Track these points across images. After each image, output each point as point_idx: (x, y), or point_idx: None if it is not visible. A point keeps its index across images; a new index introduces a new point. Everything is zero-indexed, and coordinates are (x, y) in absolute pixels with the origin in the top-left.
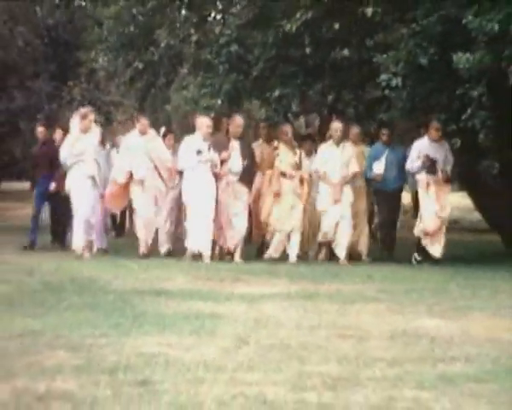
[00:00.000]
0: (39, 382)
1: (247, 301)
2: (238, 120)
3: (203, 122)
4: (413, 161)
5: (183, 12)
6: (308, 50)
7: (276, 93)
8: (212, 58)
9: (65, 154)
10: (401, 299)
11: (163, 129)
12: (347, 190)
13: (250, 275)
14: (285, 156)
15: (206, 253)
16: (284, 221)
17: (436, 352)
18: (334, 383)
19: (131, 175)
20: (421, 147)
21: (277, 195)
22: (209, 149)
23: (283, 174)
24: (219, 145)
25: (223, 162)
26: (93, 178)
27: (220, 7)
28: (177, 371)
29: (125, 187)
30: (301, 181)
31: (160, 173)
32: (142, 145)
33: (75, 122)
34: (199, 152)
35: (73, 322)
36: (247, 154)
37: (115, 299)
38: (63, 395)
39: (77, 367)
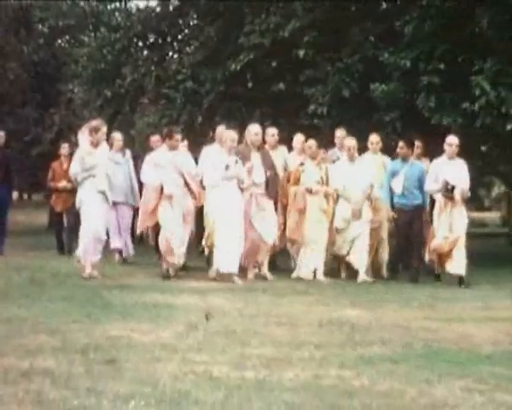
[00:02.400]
0: (23, 360)
1: (198, 293)
2: (254, 128)
3: (227, 136)
4: (431, 183)
5: (145, 52)
6: (250, 85)
7: (222, 122)
8: (171, 92)
9: (76, 168)
10: (327, 293)
11: (166, 129)
12: (366, 207)
13: (201, 272)
14: (310, 172)
15: (235, 273)
16: (311, 238)
17: (356, 337)
18: (270, 363)
19: (161, 190)
20: (439, 167)
21: (302, 211)
22: (236, 163)
23: (309, 190)
24: (242, 157)
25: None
26: (104, 192)
27: (177, 48)
28: (138, 352)
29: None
30: (326, 197)
31: (190, 190)
32: (171, 161)
33: (84, 136)
34: (227, 167)
35: (52, 311)
36: (269, 164)
37: (87, 292)
38: (43, 372)
39: (55, 348)
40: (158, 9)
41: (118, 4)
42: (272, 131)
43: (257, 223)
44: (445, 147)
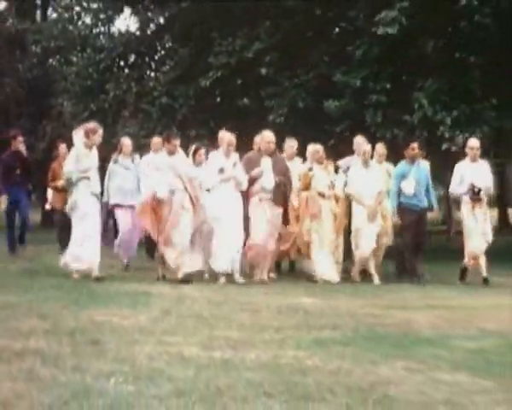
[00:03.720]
0: (17, 341)
1: (171, 283)
2: (267, 135)
3: (223, 138)
4: (456, 185)
5: (126, 70)
6: (218, 100)
7: (193, 133)
8: (148, 107)
9: (70, 168)
10: (285, 283)
11: (193, 146)
12: (378, 212)
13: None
14: (320, 176)
15: (237, 272)
16: (325, 242)
17: (310, 322)
18: (235, 345)
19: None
20: (462, 170)
21: (315, 216)
22: (234, 165)
23: (321, 195)
24: (251, 163)
25: (255, 180)
26: (97, 195)
27: (154, 67)
28: (119, 334)
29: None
30: (336, 200)
31: (190, 195)
32: (170, 165)
33: (79, 137)
34: (221, 170)
35: (44, 298)
36: (281, 170)
37: (75, 282)
38: (35, 352)
39: (45, 331)
40: (137, 33)
41: (102, 29)
42: (291, 143)
43: (264, 228)
44: (467, 150)
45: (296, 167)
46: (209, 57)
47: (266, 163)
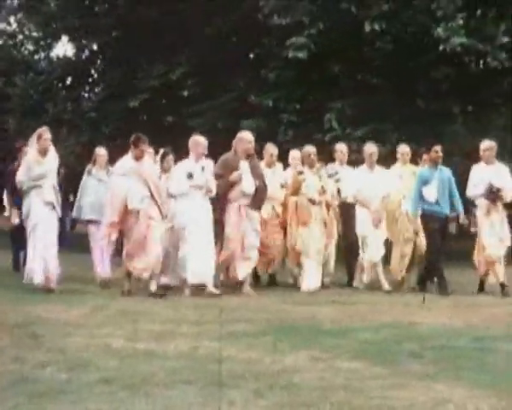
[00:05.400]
0: None
1: (104, 282)
2: (247, 137)
3: (197, 142)
4: (474, 187)
5: (63, 92)
6: (145, 117)
7: (118, 142)
8: (82, 124)
9: (21, 177)
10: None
11: (162, 150)
12: (384, 216)
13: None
14: (311, 181)
15: (210, 283)
16: (316, 250)
17: (225, 316)
18: (157, 337)
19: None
20: (480, 172)
21: (306, 222)
22: (202, 170)
23: (312, 201)
24: (228, 166)
25: (233, 184)
26: (52, 204)
27: (87, 88)
28: (55, 328)
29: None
30: (327, 207)
31: (156, 202)
32: (136, 170)
33: (33, 144)
34: (190, 176)
35: None
36: (258, 174)
37: (18, 281)
38: None
39: None
40: (73, 58)
41: (43, 54)
42: (272, 150)
43: (244, 237)
44: (482, 153)
45: (278, 174)
46: (137, 80)
47: (245, 167)
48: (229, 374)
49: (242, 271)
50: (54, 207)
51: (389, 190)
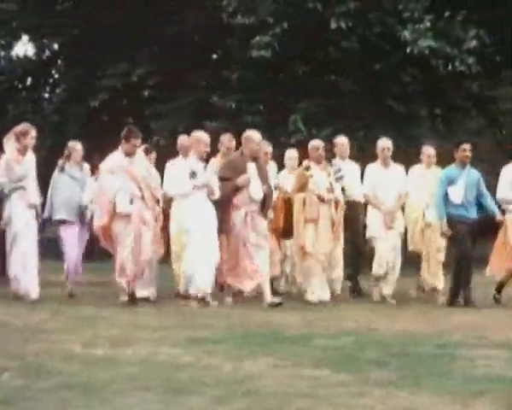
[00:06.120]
0: None
1: (60, 285)
2: (256, 137)
3: (199, 139)
4: (505, 190)
5: (24, 92)
6: (106, 118)
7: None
8: (43, 124)
9: (1, 179)
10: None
11: (143, 147)
12: (400, 216)
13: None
14: (318, 178)
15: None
16: (324, 254)
17: (186, 322)
18: (115, 342)
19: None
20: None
21: (315, 222)
22: (205, 169)
23: (320, 199)
24: (235, 168)
25: (239, 189)
26: (36, 207)
27: (48, 89)
28: (13, 333)
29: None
30: (335, 206)
31: (148, 205)
32: (127, 169)
33: (10, 142)
34: (193, 174)
35: None
36: (265, 178)
37: None
38: None
39: None
40: (34, 58)
41: (3, 53)
42: (266, 148)
43: (254, 251)
44: None
45: (272, 175)
46: (97, 80)
47: (252, 169)
48: (189, 381)
49: (248, 285)
50: (37, 211)
51: (407, 189)
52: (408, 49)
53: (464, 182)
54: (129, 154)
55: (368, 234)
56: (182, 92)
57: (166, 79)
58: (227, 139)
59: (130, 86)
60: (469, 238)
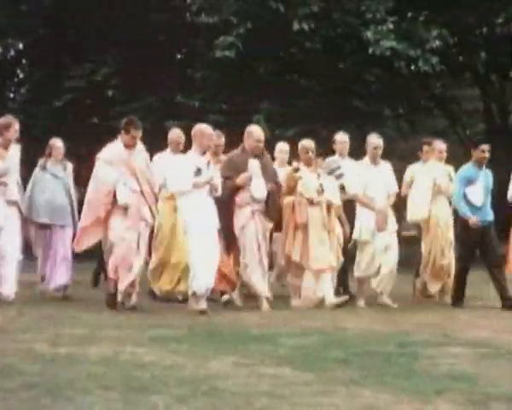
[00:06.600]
0: None
1: (28, 285)
2: (257, 133)
3: (203, 132)
4: None
5: None
6: (70, 118)
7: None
8: None
9: None
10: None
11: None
12: (391, 215)
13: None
14: (308, 179)
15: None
16: (315, 258)
17: (149, 321)
18: (80, 341)
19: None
20: None
21: (305, 226)
22: (208, 166)
23: (310, 201)
24: (236, 165)
25: (240, 188)
26: (17, 204)
27: (13, 89)
28: None
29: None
30: (328, 209)
31: (146, 201)
32: (126, 161)
33: None
34: (198, 171)
35: None
36: (271, 176)
37: None
38: None
39: None
40: None
41: None
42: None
43: (261, 247)
44: None
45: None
46: (62, 80)
47: (255, 167)
48: (152, 380)
49: (259, 285)
50: (19, 208)
51: (396, 189)
52: (370, 50)
53: (482, 183)
54: (128, 146)
55: (356, 236)
56: (146, 92)
57: (131, 79)
58: (217, 136)
59: (94, 86)
60: (485, 243)
